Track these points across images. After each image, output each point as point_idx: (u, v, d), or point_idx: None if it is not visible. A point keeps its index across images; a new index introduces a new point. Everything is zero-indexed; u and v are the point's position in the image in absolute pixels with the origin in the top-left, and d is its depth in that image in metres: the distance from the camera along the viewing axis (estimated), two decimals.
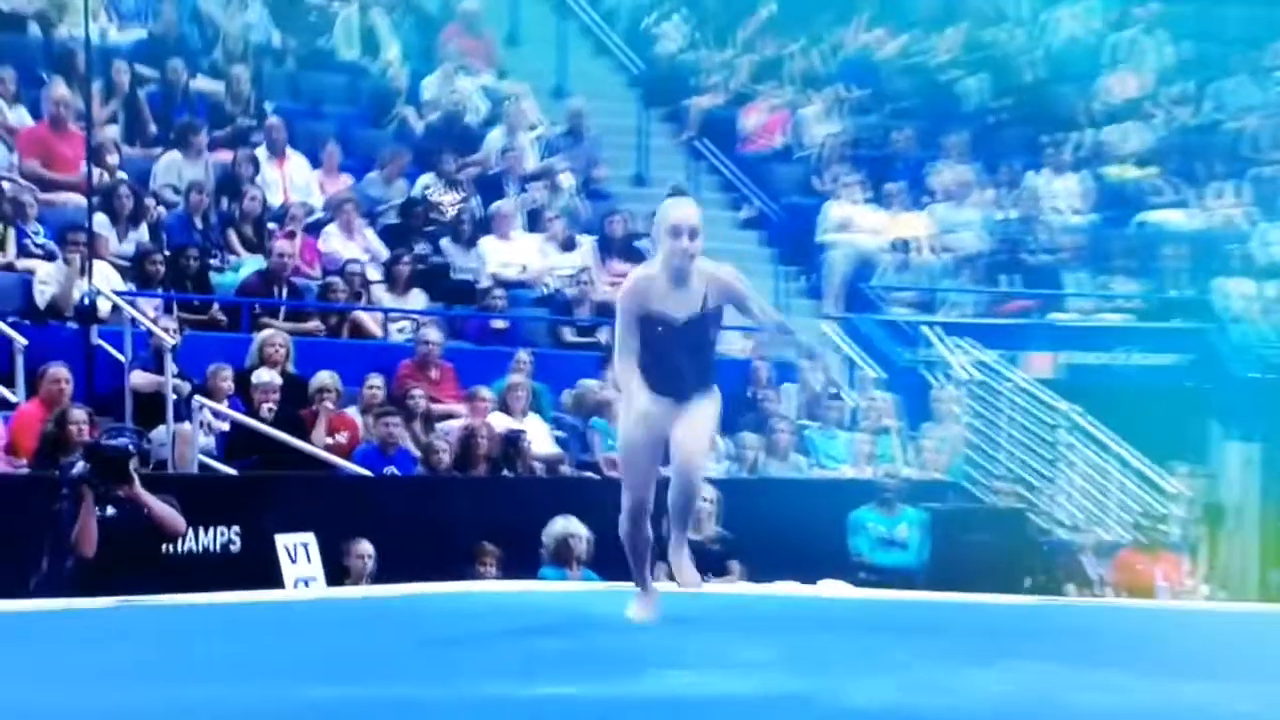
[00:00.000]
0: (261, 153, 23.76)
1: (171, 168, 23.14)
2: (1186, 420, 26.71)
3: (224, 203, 23.15)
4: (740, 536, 19.69)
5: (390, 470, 20.57)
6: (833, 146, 28.97)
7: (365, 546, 18.65)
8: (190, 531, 18.15)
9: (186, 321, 21.54)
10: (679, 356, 11.36)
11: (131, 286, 21.21)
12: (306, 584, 18.44)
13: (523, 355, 22.44)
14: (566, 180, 26.36)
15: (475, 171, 25.42)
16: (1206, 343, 27.69)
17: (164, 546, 17.54)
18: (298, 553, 18.70)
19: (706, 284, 11.09)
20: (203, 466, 19.62)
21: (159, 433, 19.43)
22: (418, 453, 20.65)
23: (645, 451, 11.62)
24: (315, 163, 24.36)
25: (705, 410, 11.63)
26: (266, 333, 21.21)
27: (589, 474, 21.67)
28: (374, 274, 23.61)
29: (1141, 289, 27.48)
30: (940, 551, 21.35)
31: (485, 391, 21.47)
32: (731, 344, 25.33)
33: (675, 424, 11.47)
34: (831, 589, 17.78)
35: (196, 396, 20.12)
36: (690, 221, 10.82)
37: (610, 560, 17.77)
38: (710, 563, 18.89)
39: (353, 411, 21.16)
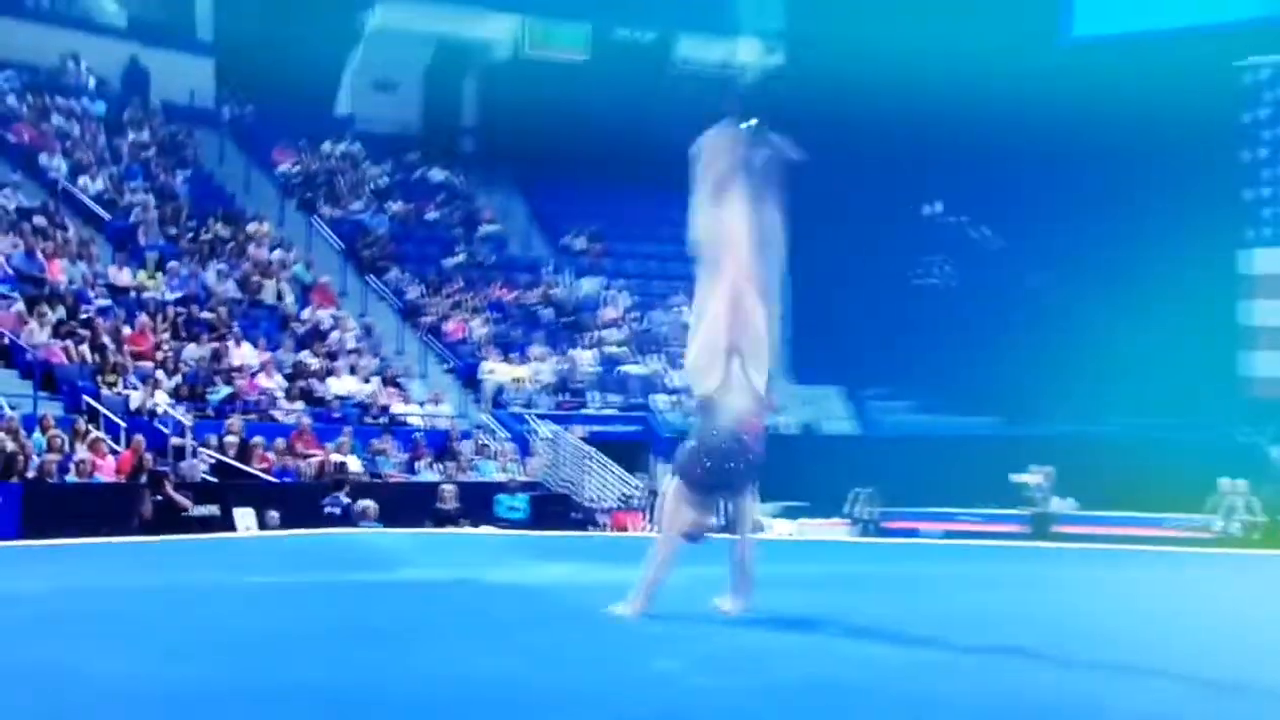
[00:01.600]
0: (231, 344, 22.60)
1: (191, 351, 22.26)
2: (640, 454, 25.70)
3: (213, 365, 22.11)
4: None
5: (287, 479, 20.16)
6: (486, 340, 27.43)
7: (275, 514, 18.14)
8: (195, 508, 17.89)
9: (197, 415, 20.79)
10: None
11: (173, 400, 20.66)
12: (248, 529, 17.86)
13: (347, 429, 21.62)
14: (367, 357, 25.33)
15: (325, 349, 24.41)
16: (650, 422, 26.71)
17: (181, 514, 17.47)
18: (244, 517, 18.28)
19: None
20: (205, 479, 19.20)
21: (185, 464, 19.06)
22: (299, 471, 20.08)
23: None
24: (255, 347, 23.30)
25: None
26: (232, 419, 20.69)
27: (378, 481, 20.97)
28: (280, 395, 22.74)
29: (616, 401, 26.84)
30: (537, 514, 20.46)
31: (330, 445, 20.88)
32: (440, 420, 24.48)
33: None
34: (488, 530, 17.89)
35: (200, 448, 19.67)
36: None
37: (389, 517, 18.17)
38: (453, 518, 19.05)
39: (270, 453, 20.50)
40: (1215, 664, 6.04)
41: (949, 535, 19.22)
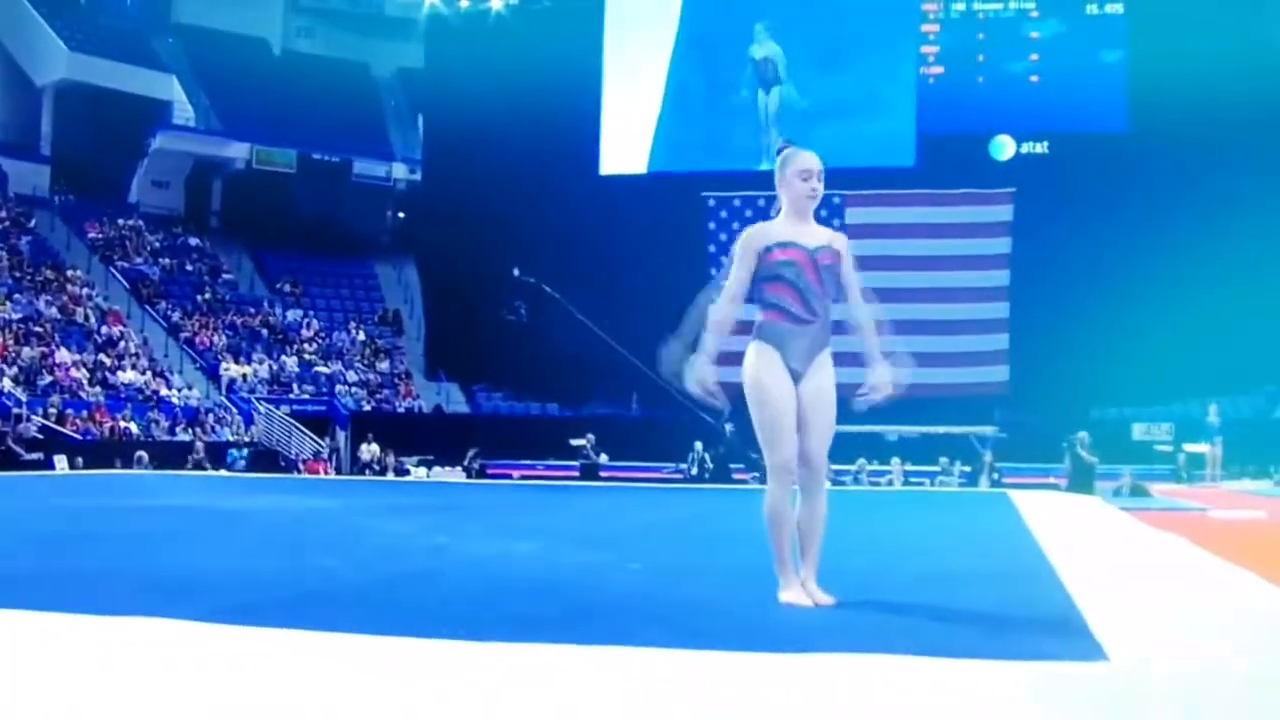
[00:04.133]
0: (54, 348, 22.50)
1: (27, 352, 22.13)
2: (326, 425, 24.17)
3: (41, 362, 22.16)
4: None
5: (89, 438, 19.63)
6: (223, 348, 26.11)
7: (80, 459, 17.31)
8: (27, 454, 17.25)
9: (30, 394, 20.62)
10: (810, 289, 4.24)
11: (14, 384, 20.62)
12: (63, 470, 16.80)
13: (129, 405, 21.68)
14: (143, 359, 24.81)
15: (115, 353, 24.12)
16: (333, 403, 25.45)
17: (18, 459, 16.76)
18: (60, 462, 17.32)
19: (827, 235, 4.29)
20: (34, 436, 18.59)
21: (21, 426, 18.58)
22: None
23: (790, 410, 4.24)
24: (69, 351, 23.16)
25: (827, 394, 4.33)
26: (53, 398, 20.38)
27: (151, 440, 20.69)
28: (85, 382, 22.53)
29: None
30: (254, 463, 20.40)
31: (117, 415, 21.02)
32: (191, 400, 23.69)
33: (801, 407, 4.32)
34: (223, 473, 17.17)
35: (32, 416, 19.22)
36: (817, 167, 4.24)
37: (158, 464, 17.64)
38: (202, 465, 17.92)
39: (78, 420, 20.22)
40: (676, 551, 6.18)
41: (527, 478, 19.31)
